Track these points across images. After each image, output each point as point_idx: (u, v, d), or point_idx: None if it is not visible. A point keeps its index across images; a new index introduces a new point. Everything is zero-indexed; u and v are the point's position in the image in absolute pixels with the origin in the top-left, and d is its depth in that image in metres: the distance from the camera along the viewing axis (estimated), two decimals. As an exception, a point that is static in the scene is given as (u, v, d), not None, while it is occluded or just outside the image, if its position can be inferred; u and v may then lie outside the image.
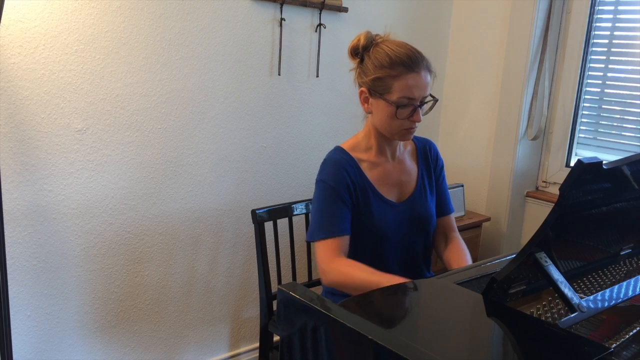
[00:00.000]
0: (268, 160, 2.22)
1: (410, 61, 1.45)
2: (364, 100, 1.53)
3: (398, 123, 1.48)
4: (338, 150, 1.58)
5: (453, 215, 1.74)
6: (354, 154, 1.56)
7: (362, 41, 1.50)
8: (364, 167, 1.56)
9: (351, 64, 1.57)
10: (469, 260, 1.63)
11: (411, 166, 1.64)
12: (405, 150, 1.65)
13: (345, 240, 1.50)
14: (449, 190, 2.51)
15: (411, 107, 1.46)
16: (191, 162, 2.01)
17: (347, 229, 1.51)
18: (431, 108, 1.53)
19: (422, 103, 1.48)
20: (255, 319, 2.34)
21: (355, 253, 1.56)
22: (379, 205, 1.55)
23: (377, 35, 1.53)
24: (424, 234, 1.64)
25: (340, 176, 1.51)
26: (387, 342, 0.92)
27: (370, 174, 1.56)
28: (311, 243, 1.57)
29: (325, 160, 1.57)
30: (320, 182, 1.54)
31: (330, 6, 2.20)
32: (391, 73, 1.44)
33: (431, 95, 1.50)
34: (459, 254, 1.64)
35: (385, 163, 1.59)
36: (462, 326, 1.08)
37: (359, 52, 1.51)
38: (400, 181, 1.61)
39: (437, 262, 1.95)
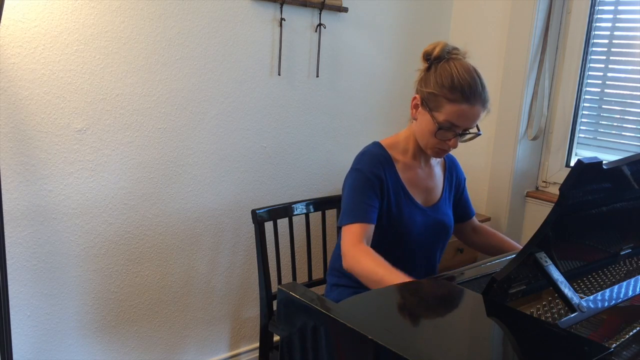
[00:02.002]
0: (268, 160, 2.22)
1: (470, 91, 1.46)
2: (414, 107, 1.56)
3: (434, 141, 1.52)
4: (377, 145, 1.62)
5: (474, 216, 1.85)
6: (391, 152, 1.60)
7: (436, 51, 1.52)
8: (398, 166, 1.60)
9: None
10: (508, 239, 1.77)
11: (439, 176, 1.70)
12: (437, 160, 1.71)
13: (370, 228, 1.52)
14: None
15: (452, 132, 1.50)
16: (191, 162, 2.01)
17: (374, 219, 1.53)
18: (471, 139, 1.56)
19: (465, 132, 1.52)
20: (255, 319, 2.34)
21: (379, 253, 1.58)
22: (409, 207, 1.59)
23: (454, 48, 1.54)
24: (443, 241, 1.69)
25: (376, 169, 1.55)
26: (387, 342, 0.92)
27: (403, 175, 1.60)
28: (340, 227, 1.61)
29: (363, 152, 1.61)
30: (356, 170, 1.57)
31: (330, 6, 2.20)
32: (447, 95, 1.46)
33: (477, 127, 1.53)
34: (504, 239, 1.77)
35: (417, 167, 1.64)
36: (462, 326, 1.08)
37: (430, 59, 1.53)
38: (428, 187, 1.65)
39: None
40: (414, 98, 1.56)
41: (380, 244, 1.58)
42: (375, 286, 1.36)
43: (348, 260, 1.47)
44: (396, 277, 1.35)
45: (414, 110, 1.56)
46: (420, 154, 1.64)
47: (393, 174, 1.58)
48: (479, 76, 1.50)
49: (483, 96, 1.48)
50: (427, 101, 1.51)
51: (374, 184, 1.53)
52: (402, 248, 1.60)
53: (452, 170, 1.74)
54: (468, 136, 1.54)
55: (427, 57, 1.54)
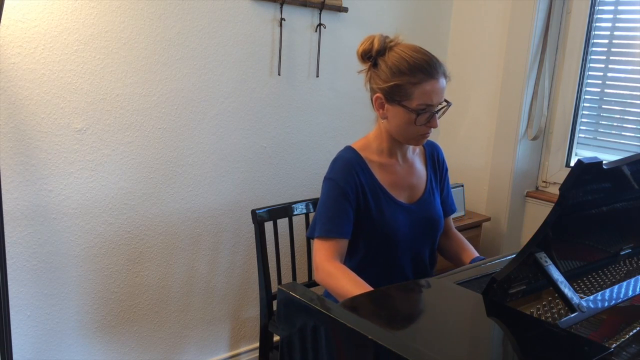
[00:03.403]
0: (268, 160, 2.22)
1: (429, 67, 1.44)
2: (379, 106, 1.51)
3: (415, 129, 1.49)
4: (349, 149, 1.58)
5: (451, 216, 1.77)
6: (364, 154, 1.56)
7: (376, 45, 1.48)
8: (374, 168, 1.55)
9: (360, 65, 1.55)
10: (474, 252, 1.67)
11: (420, 168, 1.65)
12: (415, 152, 1.65)
13: (344, 243, 1.50)
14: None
15: (429, 113, 1.46)
16: (191, 162, 2.01)
17: (347, 232, 1.51)
18: (444, 112, 1.52)
19: (439, 109, 1.49)
20: (255, 319, 2.34)
21: (367, 255, 1.57)
22: (390, 207, 1.55)
23: (387, 37, 1.51)
24: (433, 236, 1.65)
25: (350, 176, 1.51)
26: (387, 342, 0.92)
27: (381, 176, 1.56)
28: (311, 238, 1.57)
29: (335, 158, 1.56)
30: (329, 180, 1.53)
31: (330, 6, 2.20)
32: (411, 80, 1.43)
33: (445, 100, 1.50)
34: (465, 247, 1.69)
35: (395, 165, 1.59)
36: (462, 326, 1.08)
37: (372, 57, 1.50)
38: (410, 183, 1.61)
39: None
40: (376, 98, 1.50)
41: (368, 248, 1.56)
42: None
43: (321, 274, 1.46)
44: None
45: (381, 110, 1.51)
46: (396, 151, 1.59)
47: (369, 176, 1.54)
48: (427, 51, 1.48)
49: (442, 67, 1.47)
50: (392, 95, 1.47)
51: (347, 194, 1.50)
52: (390, 249, 1.56)
53: (433, 156, 1.68)
54: (441, 111, 1.50)
55: (368, 54, 1.50)
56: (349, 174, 1.51)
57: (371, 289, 1.36)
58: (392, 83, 1.45)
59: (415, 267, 1.63)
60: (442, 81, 1.47)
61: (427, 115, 1.46)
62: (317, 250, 1.50)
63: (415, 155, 1.65)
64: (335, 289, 1.41)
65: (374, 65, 1.50)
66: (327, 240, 1.48)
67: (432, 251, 1.68)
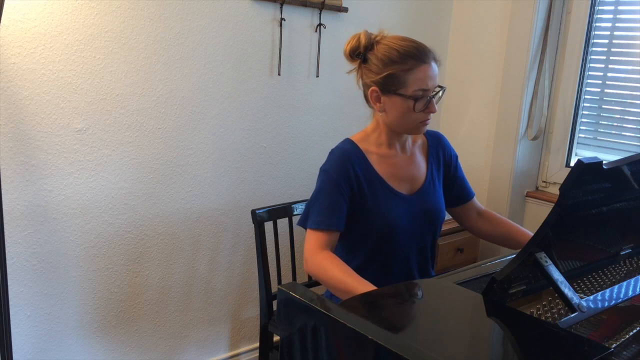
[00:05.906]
0: (268, 160, 2.22)
1: (419, 53, 1.47)
2: (376, 99, 1.53)
3: (414, 117, 1.50)
4: (347, 142, 1.59)
5: (475, 198, 1.79)
6: (363, 146, 1.57)
7: (363, 41, 1.50)
8: (372, 160, 1.56)
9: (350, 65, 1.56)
10: (523, 228, 1.70)
11: (420, 160, 1.65)
12: (415, 144, 1.66)
13: (335, 235, 1.52)
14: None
15: (426, 98, 1.48)
16: (191, 162, 2.01)
17: (340, 224, 1.52)
18: (441, 97, 1.54)
19: (435, 94, 1.50)
20: (255, 319, 2.34)
21: (370, 248, 1.57)
22: (389, 198, 1.56)
23: (372, 33, 1.53)
24: (433, 227, 1.65)
25: (344, 169, 1.52)
26: (387, 342, 0.92)
27: (380, 168, 1.57)
28: (302, 227, 1.58)
29: (332, 150, 1.58)
30: (323, 171, 1.55)
31: (330, 6, 2.20)
32: (403, 67, 1.46)
33: (439, 85, 1.52)
34: (513, 225, 1.72)
35: (395, 157, 1.60)
36: (462, 326, 1.08)
37: (360, 53, 1.52)
38: (410, 174, 1.61)
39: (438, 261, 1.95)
40: (372, 92, 1.51)
41: (370, 240, 1.56)
42: (344, 295, 1.34)
43: (310, 266, 1.48)
44: (366, 286, 1.33)
45: (378, 103, 1.53)
46: (396, 142, 1.60)
47: (366, 167, 1.54)
48: (414, 39, 1.50)
49: (431, 52, 1.49)
50: (387, 86, 1.48)
51: (340, 186, 1.51)
52: (391, 240, 1.56)
53: (437, 147, 1.69)
54: (438, 95, 1.51)
55: (356, 51, 1.52)
56: (343, 166, 1.52)
57: (359, 277, 1.37)
58: (385, 73, 1.47)
59: (418, 258, 1.63)
60: (434, 65, 1.49)
61: (424, 101, 1.48)
62: (308, 240, 1.52)
63: (415, 147, 1.66)
64: (325, 278, 1.42)
65: (364, 60, 1.52)
66: (319, 232, 1.50)
67: (434, 244, 1.68)
